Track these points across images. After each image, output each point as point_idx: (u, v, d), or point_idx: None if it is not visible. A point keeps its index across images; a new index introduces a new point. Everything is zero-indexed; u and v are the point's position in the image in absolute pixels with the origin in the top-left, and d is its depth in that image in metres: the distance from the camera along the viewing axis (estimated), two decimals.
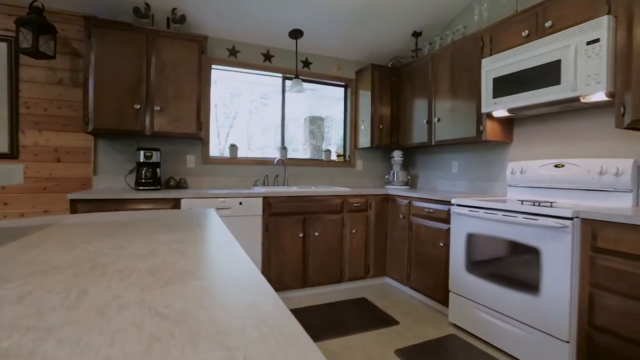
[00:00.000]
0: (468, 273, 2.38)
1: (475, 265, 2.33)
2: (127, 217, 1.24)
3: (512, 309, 2.06)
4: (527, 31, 2.34)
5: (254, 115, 3.81)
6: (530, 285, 1.95)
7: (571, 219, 1.76)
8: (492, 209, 2.21)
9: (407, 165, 4.10)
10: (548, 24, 2.20)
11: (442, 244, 2.68)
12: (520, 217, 2.01)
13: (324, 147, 4.06)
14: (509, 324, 2.09)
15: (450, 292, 2.54)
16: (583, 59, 1.95)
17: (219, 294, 0.47)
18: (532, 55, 2.24)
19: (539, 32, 2.27)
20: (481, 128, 2.72)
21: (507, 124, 2.82)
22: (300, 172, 3.71)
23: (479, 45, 2.72)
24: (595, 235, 1.69)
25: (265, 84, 3.85)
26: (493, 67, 2.53)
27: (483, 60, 2.60)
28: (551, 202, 2.15)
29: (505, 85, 2.43)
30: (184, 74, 2.86)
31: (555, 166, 2.40)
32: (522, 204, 2.14)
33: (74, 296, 0.45)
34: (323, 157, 3.89)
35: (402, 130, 3.70)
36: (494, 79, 2.52)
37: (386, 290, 3.21)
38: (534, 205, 2.04)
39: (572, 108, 2.32)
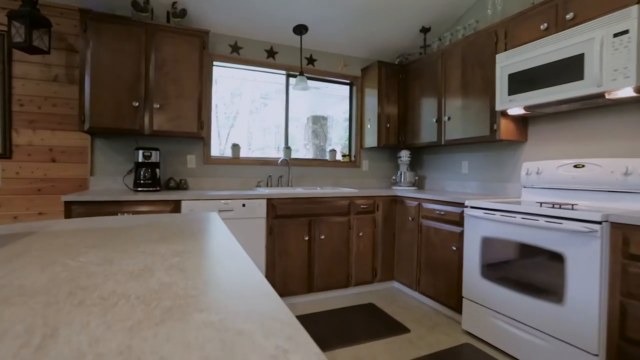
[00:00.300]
0: (483, 279, 2.26)
1: (491, 271, 2.21)
2: (121, 223, 1.12)
3: (533, 318, 1.94)
4: (545, 24, 2.22)
5: (255, 115, 3.70)
6: (554, 293, 1.83)
7: (600, 222, 1.64)
8: (510, 212, 2.09)
9: (414, 165, 3.98)
10: (569, 16, 2.08)
11: (454, 248, 2.56)
12: (541, 221, 1.89)
13: (326, 148, 3.95)
14: (529, 334, 1.96)
15: (463, 299, 2.42)
16: (609, 52, 1.83)
17: (232, 337, 0.36)
18: (551, 49, 2.12)
19: (559, 25, 2.15)
20: (495, 127, 2.60)
21: (522, 122, 2.70)
22: (304, 173, 3.59)
23: (493, 40, 2.60)
24: (627, 241, 1.57)
25: (268, 82, 3.74)
26: (508, 62, 2.41)
27: (497, 56, 2.48)
28: (572, 205, 2.03)
29: (522, 81, 2.32)
30: (185, 70, 2.74)
31: (575, 166, 2.28)
32: (541, 206, 2.02)
33: (36, 341, 0.33)
34: (328, 157, 3.77)
35: (410, 130, 3.58)
36: (510, 75, 2.40)
37: (394, 296, 3.09)
38: (553, 207, 1.92)
39: (594, 105, 2.19)
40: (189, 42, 2.75)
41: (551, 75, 2.13)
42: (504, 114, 2.57)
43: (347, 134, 4.02)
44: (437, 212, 2.74)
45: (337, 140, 4.07)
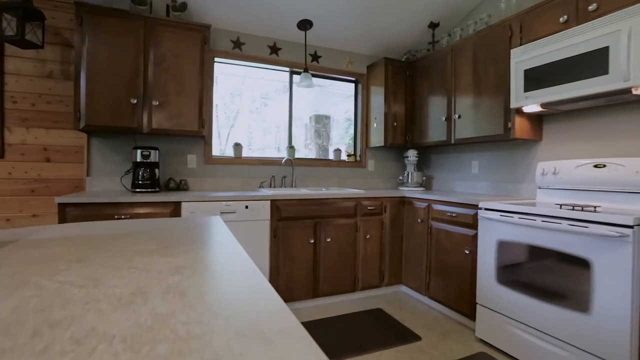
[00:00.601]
0: (499, 284, 2.15)
1: (508, 276, 2.10)
2: (114, 229, 1.01)
3: (555, 327, 1.82)
4: (565, 16, 2.10)
5: (255, 115, 3.59)
6: (579, 301, 1.72)
7: (632, 227, 1.53)
8: (530, 214, 1.97)
9: (421, 165, 3.87)
10: (592, 7, 1.96)
11: (467, 251, 2.44)
12: (565, 224, 1.78)
13: (329, 147, 3.84)
14: (550, 344, 1.85)
15: (477, 305, 2.30)
16: (638, 44, 1.72)
17: None
18: (572, 43, 2.01)
19: (580, 17, 2.04)
20: (509, 125, 2.49)
21: (537, 120, 2.59)
22: (308, 173, 3.48)
23: (507, 34, 2.48)
24: None
25: (271, 80, 3.63)
26: (524, 57, 2.29)
27: (512, 51, 2.37)
28: (595, 207, 1.92)
29: (539, 77, 2.20)
30: (185, 66, 2.63)
31: (595, 166, 2.17)
32: (560, 208, 1.91)
33: None
34: (332, 157, 3.66)
35: (418, 128, 3.46)
36: (526, 71, 2.29)
37: (402, 300, 2.97)
38: (573, 209, 1.81)
39: (618, 101, 2.08)
40: (189, 37, 2.64)
41: (571, 70, 2.02)
42: (518, 111, 2.46)
43: (346, 133, 3.92)
44: (448, 214, 2.63)
45: (338, 140, 3.97)
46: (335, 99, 4.06)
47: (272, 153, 3.56)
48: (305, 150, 3.79)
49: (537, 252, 1.94)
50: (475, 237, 2.39)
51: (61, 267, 0.59)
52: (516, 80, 2.35)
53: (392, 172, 3.91)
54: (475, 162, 3.21)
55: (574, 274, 1.74)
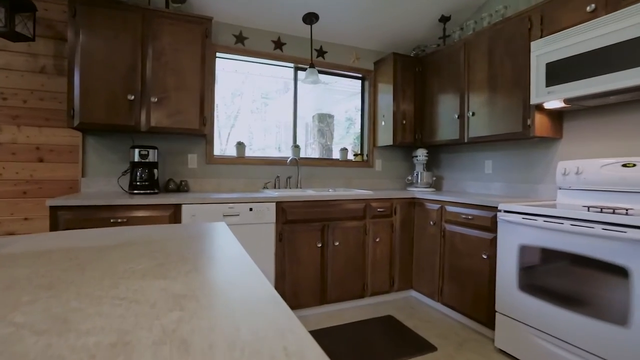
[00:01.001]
0: (521, 292, 2.01)
1: (532, 283, 1.96)
2: (103, 240, 0.87)
3: (585, 340, 1.68)
4: (593, 5, 1.96)
5: (256, 115, 3.46)
6: (614, 313, 1.58)
7: None
8: (557, 217, 1.83)
9: (430, 165, 3.73)
10: None
11: (484, 256, 2.30)
12: (598, 228, 1.64)
13: (332, 147, 3.70)
14: (580, 357, 1.71)
15: (497, 313, 2.17)
16: None
17: None
18: (601, 33, 1.87)
19: (609, 6, 1.90)
20: (528, 122, 2.35)
21: (557, 117, 2.45)
22: (313, 173, 3.34)
23: (527, 26, 2.34)
24: None
25: (274, 77, 3.49)
26: (546, 50, 2.15)
27: (533, 43, 2.23)
28: (626, 209, 1.78)
29: (563, 71, 2.06)
30: (185, 61, 2.49)
31: (624, 165, 2.03)
32: (588, 210, 1.77)
33: None
34: (339, 157, 3.52)
35: (427, 127, 3.32)
36: (548, 65, 2.15)
37: (414, 307, 2.83)
38: (602, 212, 1.67)
39: None
40: (190, 30, 2.50)
41: (600, 62, 1.88)
42: (539, 108, 2.32)
43: (347, 133, 3.79)
44: (464, 216, 2.49)
45: (339, 140, 3.84)
46: (339, 97, 3.93)
47: (272, 153, 3.42)
48: (308, 150, 3.65)
49: (564, 258, 1.80)
50: (493, 241, 2.25)
51: (24, 297, 0.46)
52: (537, 74, 2.21)
53: (400, 172, 3.77)
54: (488, 162, 3.07)
55: (609, 283, 1.60)
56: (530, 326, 1.96)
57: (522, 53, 2.38)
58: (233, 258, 0.70)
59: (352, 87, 3.76)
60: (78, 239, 0.87)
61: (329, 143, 3.88)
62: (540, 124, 2.36)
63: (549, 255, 1.87)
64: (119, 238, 0.89)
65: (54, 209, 1.93)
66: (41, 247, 0.77)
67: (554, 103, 2.20)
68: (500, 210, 2.17)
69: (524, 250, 2.01)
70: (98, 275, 0.57)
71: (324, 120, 3.92)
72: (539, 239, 1.92)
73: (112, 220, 2.02)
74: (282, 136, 3.63)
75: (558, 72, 2.09)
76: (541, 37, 2.25)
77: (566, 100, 2.12)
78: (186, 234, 0.98)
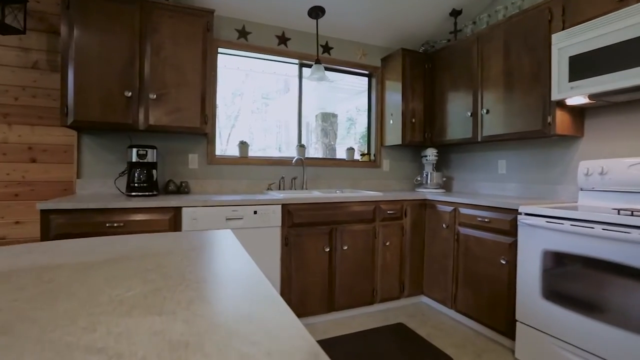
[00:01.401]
0: (545, 300, 1.88)
1: (557, 291, 1.83)
2: (88, 255, 0.74)
3: (617, 354, 1.55)
4: None
5: (256, 115, 3.33)
6: None
7: None
8: (586, 221, 1.70)
9: (439, 165, 3.60)
10: None
11: (503, 261, 2.17)
12: (635, 234, 1.50)
13: (335, 146, 3.57)
14: None
15: (517, 322, 2.04)
16: None
17: None
18: (631, 23, 1.74)
19: None
20: (549, 119, 2.22)
21: (579, 114, 2.32)
22: (318, 174, 3.21)
23: (546, 18, 2.21)
24: None
25: (278, 74, 3.37)
26: (569, 43, 2.02)
27: (554, 36, 2.10)
28: None
29: (588, 64, 1.93)
30: (186, 55, 2.36)
31: None
32: (619, 213, 1.64)
33: None
34: (345, 157, 3.39)
35: (438, 125, 3.19)
36: (571, 58, 2.02)
37: (425, 313, 2.70)
38: (632, 215, 1.55)
39: None
40: (191, 23, 2.37)
41: (630, 54, 1.75)
42: (560, 104, 2.19)
43: (348, 133, 3.66)
44: (479, 218, 2.36)
45: (340, 141, 3.71)
46: (342, 96, 3.80)
47: (272, 154, 3.30)
48: (311, 150, 3.52)
49: (594, 265, 1.67)
50: (513, 245, 2.12)
51: None
52: (559, 68, 2.08)
53: (407, 173, 3.64)
54: (502, 162, 2.94)
55: None
56: (555, 337, 1.83)
57: (542, 46, 2.25)
58: (245, 279, 0.57)
59: (356, 85, 3.63)
60: (59, 252, 0.75)
61: (332, 143, 3.76)
62: (561, 121, 2.23)
63: (576, 262, 1.74)
64: (108, 251, 0.76)
65: (45, 213, 1.80)
66: (11, 265, 0.64)
67: (577, 99, 2.07)
68: (520, 213, 2.04)
69: (548, 255, 1.88)
70: (73, 307, 0.44)
71: (327, 120, 3.80)
72: (566, 244, 1.79)
73: (107, 225, 1.89)
74: (283, 136, 3.50)
75: (582, 66, 1.96)
76: (563, 29, 2.12)
77: (591, 96, 1.99)
78: (187, 245, 0.85)
